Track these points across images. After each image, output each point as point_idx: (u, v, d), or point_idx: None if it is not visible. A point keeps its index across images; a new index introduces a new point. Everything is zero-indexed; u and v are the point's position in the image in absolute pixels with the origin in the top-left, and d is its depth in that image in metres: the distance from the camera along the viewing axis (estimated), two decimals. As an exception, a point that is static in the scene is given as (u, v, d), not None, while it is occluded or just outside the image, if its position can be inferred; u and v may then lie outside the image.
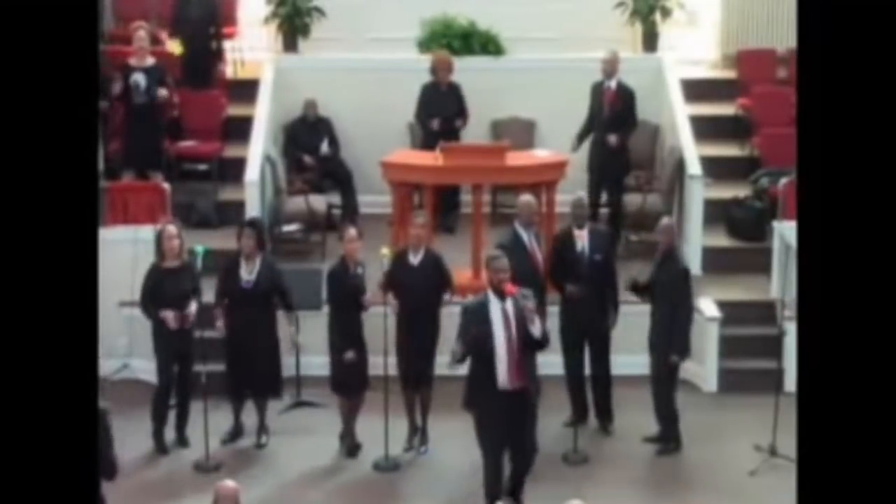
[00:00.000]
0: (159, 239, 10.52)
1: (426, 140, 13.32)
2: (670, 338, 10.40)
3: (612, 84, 13.02)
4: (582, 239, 10.76)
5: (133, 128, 12.63)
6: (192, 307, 10.38)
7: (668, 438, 10.65)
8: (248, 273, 10.46)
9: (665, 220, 10.88)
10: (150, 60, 12.70)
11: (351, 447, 10.56)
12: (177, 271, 10.44)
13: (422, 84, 13.46)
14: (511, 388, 9.07)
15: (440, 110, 13.39)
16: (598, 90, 13.07)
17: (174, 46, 13.92)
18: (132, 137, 12.64)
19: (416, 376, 10.50)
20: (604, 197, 13.10)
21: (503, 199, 13.46)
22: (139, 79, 12.51)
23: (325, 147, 13.75)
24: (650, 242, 11.63)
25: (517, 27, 14.33)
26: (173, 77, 13.18)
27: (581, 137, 13.05)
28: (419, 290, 10.33)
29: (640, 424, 10.78)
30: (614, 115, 12.98)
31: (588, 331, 10.75)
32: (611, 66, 12.99)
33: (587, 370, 10.89)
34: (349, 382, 10.43)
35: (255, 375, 10.56)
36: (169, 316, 10.29)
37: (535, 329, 8.97)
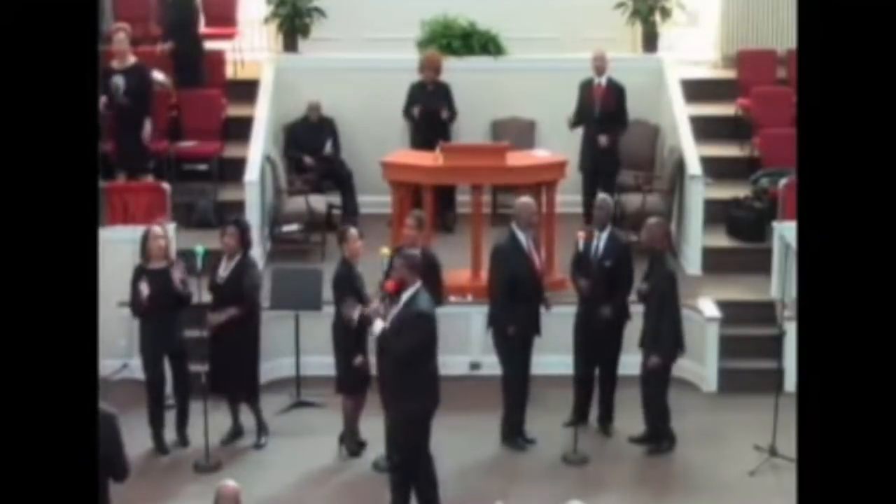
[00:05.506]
0: (145, 240, 10.51)
1: (414, 136, 13.34)
2: (654, 340, 10.41)
3: (603, 81, 13.08)
4: (598, 242, 10.73)
5: (117, 130, 12.59)
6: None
7: (658, 438, 10.63)
8: (223, 270, 10.46)
9: (649, 220, 10.80)
10: (130, 60, 12.66)
11: (354, 447, 10.54)
12: (162, 272, 10.42)
13: (410, 83, 13.49)
14: None
15: (424, 107, 13.41)
16: (587, 88, 13.14)
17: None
18: (118, 140, 12.61)
19: None
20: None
21: (503, 200, 13.46)
22: (118, 81, 12.44)
23: (328, 147, 13.75)
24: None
25: (517, 27, 14.34)
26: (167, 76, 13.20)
27: (574, 124, 13.13)
28: None
29: (640, 425, 10.77)
30: (606, 112, 13.03)
31: (600, 334, 10.71)
32: (601, 63, 13.07)
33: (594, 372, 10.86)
34: (356, 381, 10.40)
35: (225, 375, 10.45)
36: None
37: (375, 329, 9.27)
